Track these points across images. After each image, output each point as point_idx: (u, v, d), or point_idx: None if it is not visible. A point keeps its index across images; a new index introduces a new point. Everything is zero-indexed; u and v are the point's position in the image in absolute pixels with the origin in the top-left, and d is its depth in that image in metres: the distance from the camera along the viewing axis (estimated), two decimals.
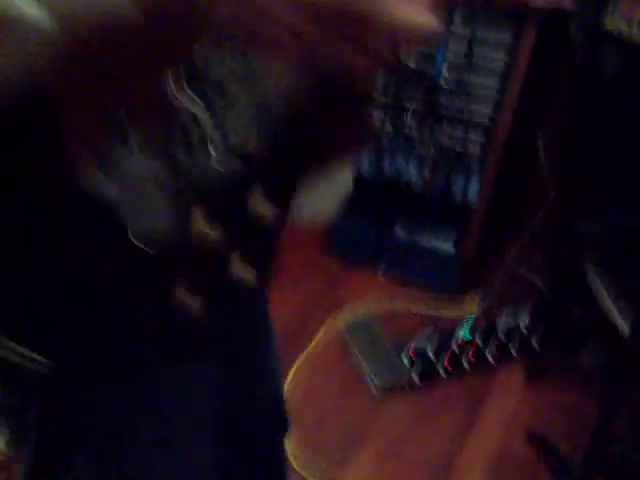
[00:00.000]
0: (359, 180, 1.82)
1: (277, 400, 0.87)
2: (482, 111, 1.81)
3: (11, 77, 0.32)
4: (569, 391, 1.63)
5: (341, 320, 1.82)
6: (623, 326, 1.37)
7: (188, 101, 0.44)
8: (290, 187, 0.60)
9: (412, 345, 1.68)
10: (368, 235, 1.93)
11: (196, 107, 0.45)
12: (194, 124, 0.46)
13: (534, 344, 1.73)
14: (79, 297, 0.51)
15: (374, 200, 1.89)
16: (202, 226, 0.50)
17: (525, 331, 1.75)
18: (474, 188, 1.82)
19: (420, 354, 1.66)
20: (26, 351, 0.53)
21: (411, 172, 1.84)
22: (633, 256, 1.51)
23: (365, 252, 1.94)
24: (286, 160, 0.56)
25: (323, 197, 0.66)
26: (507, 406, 1.65)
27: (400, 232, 1.88)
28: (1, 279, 0.50)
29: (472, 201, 1.83)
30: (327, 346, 1.76)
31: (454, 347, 1.68)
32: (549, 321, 1.71)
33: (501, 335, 1.73)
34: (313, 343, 1.75)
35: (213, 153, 0.48)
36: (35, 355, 0.53)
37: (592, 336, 1.66)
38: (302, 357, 1.71)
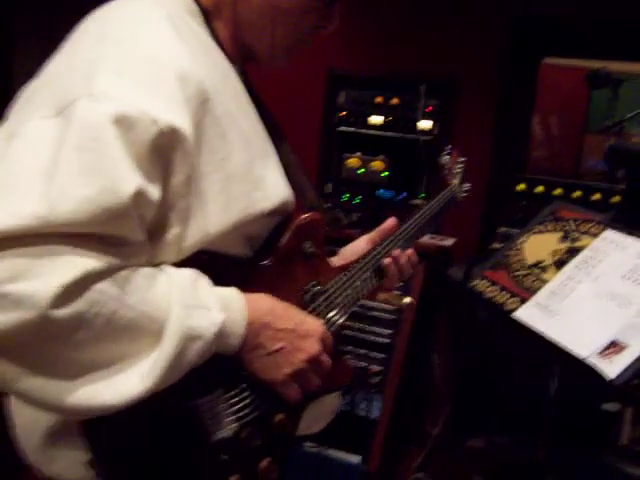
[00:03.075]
0: None
1: None
2: (382, 333, 2.04)
3: None
4: None
5: None
6: None
7: None
8: None
9: None
10: None
11: None
12: None
13: None
14: None
15: None
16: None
17: None
18: (377, 403, 1.99)
19: None
20: None
21: None
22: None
23: None
24: None
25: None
26: None
27: (308, 445, 1.98)
28: None
29: (376, 415, 1.99)
30: None
31: None
32: None
33: None
34: None
35: None
36: None
37: None
38: None
